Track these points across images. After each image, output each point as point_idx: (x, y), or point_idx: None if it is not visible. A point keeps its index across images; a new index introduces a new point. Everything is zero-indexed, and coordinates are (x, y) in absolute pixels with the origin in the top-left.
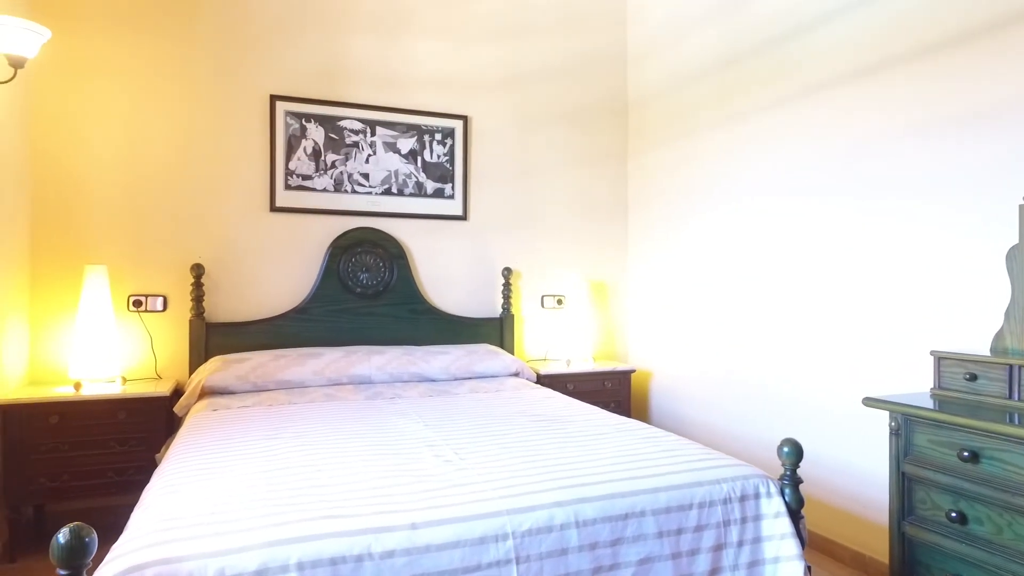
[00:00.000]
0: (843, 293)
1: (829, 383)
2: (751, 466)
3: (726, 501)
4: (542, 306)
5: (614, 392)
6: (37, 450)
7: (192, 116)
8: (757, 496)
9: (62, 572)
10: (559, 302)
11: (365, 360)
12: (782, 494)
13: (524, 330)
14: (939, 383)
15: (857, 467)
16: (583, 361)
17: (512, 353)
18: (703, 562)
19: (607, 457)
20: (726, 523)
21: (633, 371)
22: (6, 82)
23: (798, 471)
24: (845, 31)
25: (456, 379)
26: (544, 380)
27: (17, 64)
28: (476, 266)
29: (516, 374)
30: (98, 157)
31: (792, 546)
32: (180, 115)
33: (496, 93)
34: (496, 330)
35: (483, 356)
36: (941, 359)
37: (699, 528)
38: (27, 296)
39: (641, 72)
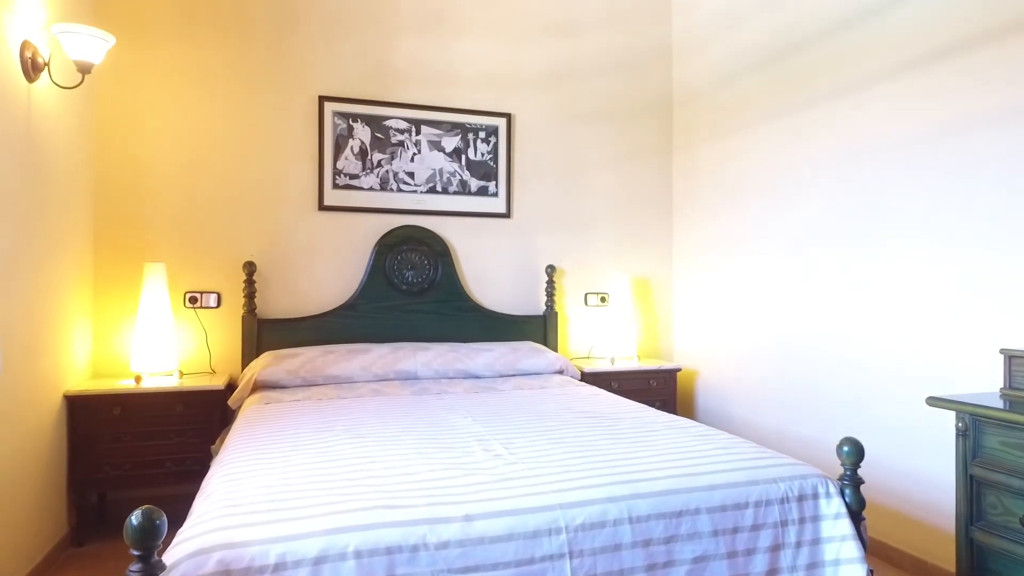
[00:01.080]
0: (905, 288)
1: (890, 382)
2: (808, 465)
3: (783, 501)
4: (585, 304)
5: (659, 391)
6: (101, 440)
7: (245, 118)
8: (816, 496)
9: (135, 552)
10: (603, 300)
11: (411, 356)
12: (842, 495)
13: (568, 328)
14: (1010, 382)
15: (919, 470)
16: (627, 359)
17: (555, 351)
18: (760, 562)
19: (660, 454)
20: (784, 523)
21: (679, 370)
22: (74, 87)
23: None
24: (908, 17)
25: (501, 376)
26: (588, 378)
27: (85, 70)
28: (519, 263)
29: (560, 372)
30: (157, 158)
31: (853, 548)
32: (233, 117)
33: (539, 90)
34: (539, 328)
35: (527, 353)
36: (1012, 357)
37: (756, 527)
38: (91, 292)
39: (687, 67)
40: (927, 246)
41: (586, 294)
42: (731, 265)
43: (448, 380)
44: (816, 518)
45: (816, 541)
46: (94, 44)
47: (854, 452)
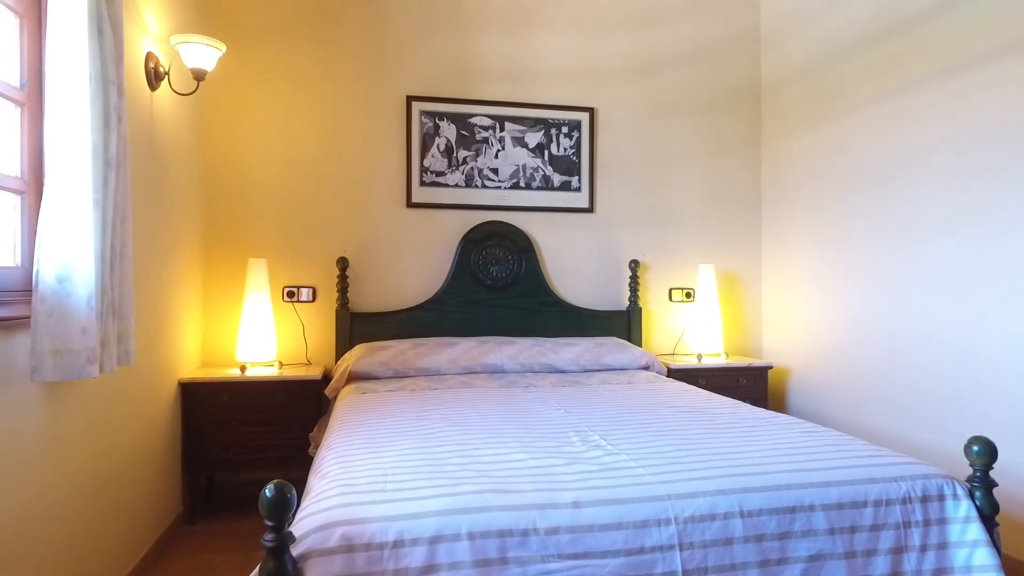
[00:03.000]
0: None
1: (1018, 381)
2: (931, 466)
3: (905, 501)
4: (670, 299)
5: (749, 389)
6: (210, 424)
7: (338, 120)
8: (942, 498)
9: (269, 523)
10: (688, 295)
11: (497, 350)
12: (971, 497)
13: (652, 323)
14: None
15: None
16: (714, 356)
17: (640, 347)
18: (881, 564)
19: (768, 449)
20: (906, 524)
21: (770, 367)
22: (190, 94)
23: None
24: None
25: (586, 371)
26: (675, 374)
27: (199, 77)
28: (602, 258)
29: (646, 367)
30: (258, 159)
31: (987, 555)
32: (327, 119)
33: (622, 83)
34: (623, 323)
35: (612, 348)
36: None
37: (876, 527)
38: (201, 285)
39: (776, 53)
40: None
41: (670, 289)
42: (828, 258)
43: (533, 374)
44: (943, 521)
45: (943, 545)
46: (207, 53)
47: (985, 452)
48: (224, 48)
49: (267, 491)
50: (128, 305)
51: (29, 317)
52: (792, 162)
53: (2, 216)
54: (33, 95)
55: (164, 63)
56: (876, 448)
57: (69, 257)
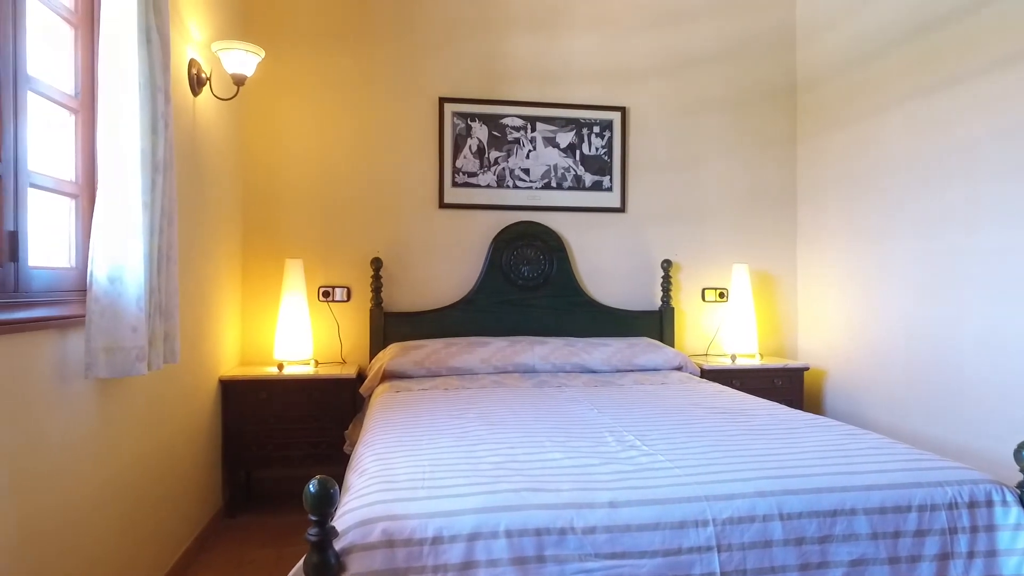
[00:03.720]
0: None
1: None
2: (977, 471)
3: (952, 506)
4: (703, 299)
5: (785, 390)
6: (249, 421)
7: (371, 122)
8: (990, 504)
9: (313, 517)
10: (721, 295)
11: (529, 350)
12: (1022, 503)
13: (684, 323)
14: None
15: None
16: (748, 357)
17: (672, 347)
18: (926, 571)
19: (808, 451)
20: (952, 531)
21: (806, 368)
22: (230, 99)
23: None
24: None
25: (618, 371)
26: (708, 375)
27: (239, 82)
28: (634, 258)
29: (679, 368)
30: (294, 161)
31: None
32: (361, 121)
33: (654, 82)
34: (655, 323)
35: (644, 349)
36: None
37: (920, 533)
38: (239, 285)
39: (812, 50)
40: None
41: (703, 289)
42: (866, 257)
43: (565, 374)
44: (991, 528)
45: (992, 553)
46: (247, 59)
47: None
48: (263, 54)
49: (311, 486)
50: (174, 305)
51: (83, 316)
52: (828, 159)
53: (58, 218)
54: (86, 102)
55: (206, 69)
56: (920, 452)
57: (120, 258)
